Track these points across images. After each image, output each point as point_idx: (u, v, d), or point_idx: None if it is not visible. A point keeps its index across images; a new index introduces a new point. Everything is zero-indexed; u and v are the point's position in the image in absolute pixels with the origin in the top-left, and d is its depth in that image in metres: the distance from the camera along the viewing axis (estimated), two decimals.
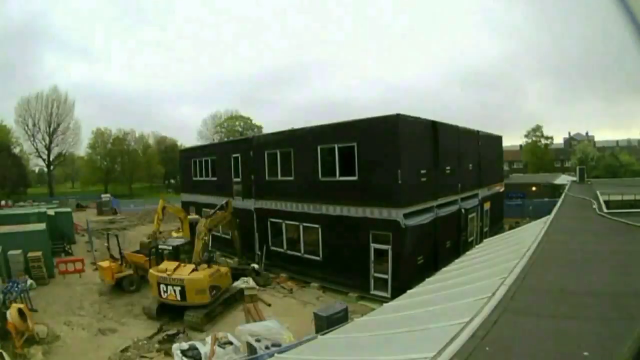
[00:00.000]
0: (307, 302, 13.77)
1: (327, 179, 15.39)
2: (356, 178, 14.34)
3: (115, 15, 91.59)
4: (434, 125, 15.50)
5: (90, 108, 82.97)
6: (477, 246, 14.20)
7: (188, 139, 72.54)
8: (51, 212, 23.52)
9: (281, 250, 17.60)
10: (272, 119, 76.82)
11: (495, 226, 21.83)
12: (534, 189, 34.29)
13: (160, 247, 15.22)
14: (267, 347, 7.96)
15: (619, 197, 15.21)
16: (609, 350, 3.01)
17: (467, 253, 11.68)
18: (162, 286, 12.56)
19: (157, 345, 10.77)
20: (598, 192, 14.91)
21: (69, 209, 28.05)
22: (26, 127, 60.46)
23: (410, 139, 13.88)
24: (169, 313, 12.57)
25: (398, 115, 13.40)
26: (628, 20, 1.67)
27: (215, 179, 22.74)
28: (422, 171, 14.61)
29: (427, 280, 8.86)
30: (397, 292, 10.70)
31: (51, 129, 61.47)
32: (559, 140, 66.67)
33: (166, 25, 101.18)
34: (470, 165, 18.96)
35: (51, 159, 63.42)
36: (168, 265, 13.23)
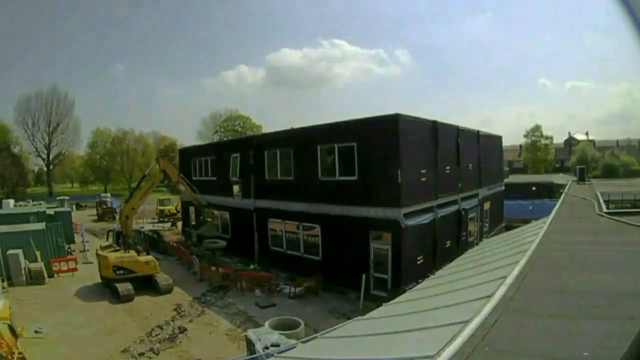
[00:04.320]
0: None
1: (327, 179, 15.38)
2: (356, 178, 14.33)
3: None
4: (434, 125, 15.50)
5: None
6: (477, 246, 14.21)
7: (187, 138, 72.51)
8: (51, 211, 23.52)
9: (281, 250, 17.59)
10: None
11: (495, 226, 21.84)
12: (534, 189, 34.30)
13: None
14: (266, 347, 7.93)
15: (619, 197, 15.23)
16: (609, 350, 3.00)
17: (467, 253, 11.68)
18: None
19: (157, 345, 10.78)
20: (598, 192, 14.91)
21: (68, 209, 28.10)
22: (26, 127, 60.56)
23: (410, 138, 13.86)
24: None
25: (398, 115, 13.40)
26: (628, 19, 1.67)
27: (214, 178, 22.73)
28: (422, 171, 14.60)
29: (427, 280, 8.86)
30: (397, 292, 10.70)
31: (51, 128, 61.50)
32: (559, 140, 66.68)
33: None
34: (470, 165, 18.95)
35: (51, 159, 63.40)
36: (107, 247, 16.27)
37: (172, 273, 18.24)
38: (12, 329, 10.13)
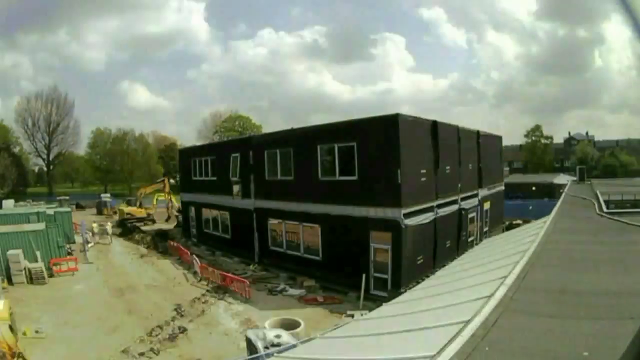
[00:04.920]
0: None
1: (327, 179, 15.38)
2: (356, 178, 14.34)
3: None
4: (434, 125, 15.50)
5: None
6: (477, 246, 14.22)
7: (187, 139, 72.41)
8: (50, 211, 23.50)
9: (281, 250, 17.60)
10: None
11: (496, 226, 21.83)
12: (534, 189, 34.33)
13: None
14: (266, 347, 7.93)
15: (619, 197, 15.20)
16: (609, 350, 3.00)
17: (467, 253, 11.69)
18: None
19: (157, 345, 10.78)
20: (598, 192, 14.89)
21: (68, 209, 28.11)
22: (26, 127, 60.57)
23: (410, 138, 13.87)
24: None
25: (398, 115, 13.41)
26: (628, 19, 1.67)
27: (214, 178, 22.74)
28: (422, 171, 14.61)
29: (427, 280, 8.87)
30: (397, 292, 10.72)
31: (51, 129, 61.50)
32: (559, 140, 66.67)
33: None
34: (470, 165, 18.95)
35: (51, 159, 63.42)
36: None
37: (173, 273, 18.31)
38: (12, 329, 10.12)
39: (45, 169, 65.24)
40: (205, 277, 16.57)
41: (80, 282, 16.69)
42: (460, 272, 8.02)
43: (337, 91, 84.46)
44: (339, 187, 14.94)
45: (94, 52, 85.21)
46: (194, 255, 19.07)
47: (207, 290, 15.28)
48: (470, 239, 18.07)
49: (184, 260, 19.77)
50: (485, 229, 20.43)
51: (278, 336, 8.43)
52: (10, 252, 16.14)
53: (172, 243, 23.14)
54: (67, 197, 45.55)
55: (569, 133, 69.50)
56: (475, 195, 19.40)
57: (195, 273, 17.64)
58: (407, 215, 13.32)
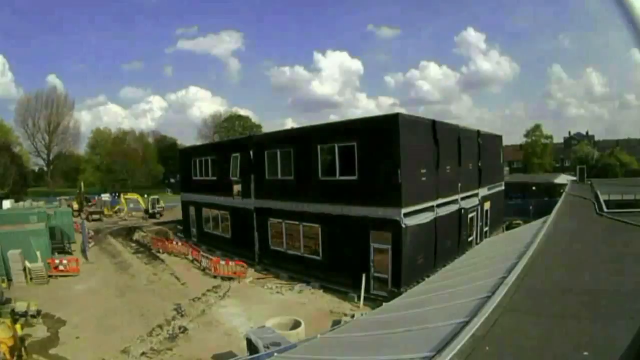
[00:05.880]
0: None
1: (327, 179, 15.39)
2: (356, 177, 14.34)
3: None
4: (433, 125, 15.50)
5: None
6: (477, 246, 14.24)
7: (187, 139, 72.44)
8: (50, 211, 23.49)
9: (281, 249, 17.60)
10: None
11: (496, 226, 21.84)
12: (534, 189, 34.32)
13: None
14: (266, 347, 7.94)
15: (619, 197, 15.23)
16: (609, 350, 3.01)
17: (467, 253, 11.70)
18: None
19: (158, 345, 10.79)
20: (598, 192, 14.91)
21: (68, 209, 28.10)
22: (26, 127, 60.58)
23: (410, 138, 13.86)
24: None
25: (398, 115, 13.42)
26: (627, 21, 1.67)
27: (215, 178, 22.75)
28: (422, 171, 14.61)
29: (427, 280, 8.88)
30: (397, 291, 10.73)
31: (51, 128, 61.49)
32: (559, 139, 66.68)
33: None
34: (470, 165, 18.95)
35: (51, 159, 63.41)
36: None
37: (173, 272, 18.31)
38: (11, 327, 10.12)
39: (45, 169, 65.22)
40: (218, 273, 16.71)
41: (80, 282, 16.70)
42: (461, 272, 8.03)
43: None
44: (339, 187, 14.94)
45: None
46: (200, 252, 19.30)
47: (208, 290, 15.29)
48: (470, 239, 18.07)
49: (194, 258, 19.83)
50: (485, 229, 20.43)
51: (278, 336, 8.45)
52: (11, 251, 16.14)
53: (175, 243, 23.16)
54: (67, 197, 45.55)
55: (569, 133, 69.59)
56: (476, 195, 19.40)
57: (203, 270, 17.86)
58: (407, 215, 13.32)
